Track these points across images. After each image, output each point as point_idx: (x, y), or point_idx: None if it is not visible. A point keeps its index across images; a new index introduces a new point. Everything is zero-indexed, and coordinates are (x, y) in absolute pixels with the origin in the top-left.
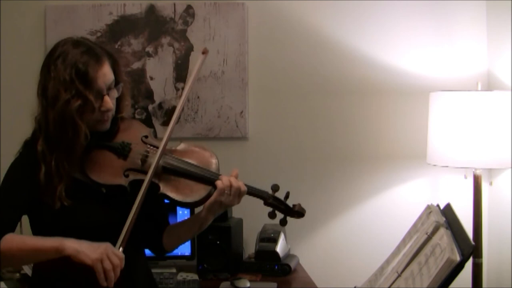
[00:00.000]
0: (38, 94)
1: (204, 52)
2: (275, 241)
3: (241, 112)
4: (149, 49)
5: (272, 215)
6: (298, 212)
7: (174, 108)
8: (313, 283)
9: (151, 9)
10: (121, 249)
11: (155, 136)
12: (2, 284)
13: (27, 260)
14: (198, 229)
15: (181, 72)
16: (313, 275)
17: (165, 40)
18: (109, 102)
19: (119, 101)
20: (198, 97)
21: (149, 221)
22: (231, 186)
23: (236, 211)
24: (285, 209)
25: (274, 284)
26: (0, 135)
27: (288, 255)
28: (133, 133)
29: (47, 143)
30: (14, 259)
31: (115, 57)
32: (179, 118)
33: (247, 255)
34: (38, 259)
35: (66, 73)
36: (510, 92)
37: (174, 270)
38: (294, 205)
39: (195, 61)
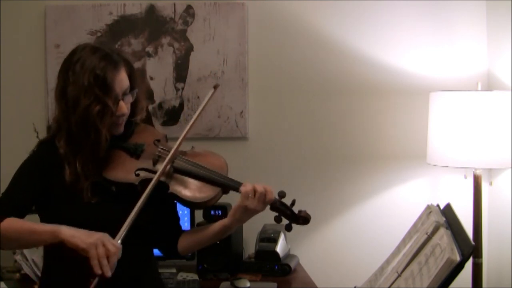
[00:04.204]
0: (57, 97)
1: (215, 86)
2: (275, 241)
3: (241, 112)
4: (149, 49)
5: (278, 220)
6: (303, 218)
7: (174, 108)
8: (313, 283)
9: (151, 9)
10: (119, 241)
11: (167, 141)
12: (2, 284)
13: (24, 242)
14: (222, 235)
15: (181, 72)
16: (313, 275)
17: (165, 40)
18: (124, 107)
19: (134, 105)
20: (198, 97)
21: (163, 225)
22: (255, 191)
23: None
24: (291, 215)
25: (274, 284)
26: (0, 135)
27: (288, 255)
28: (146, 137)
29: (70, 145)
30: (12, 240)
31: (131, 63)
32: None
33: (247, 255)
34: (35, 242)
35: (85, 78)
36: (510, 92)
37: (174, 270)
38: (300, 211)
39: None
